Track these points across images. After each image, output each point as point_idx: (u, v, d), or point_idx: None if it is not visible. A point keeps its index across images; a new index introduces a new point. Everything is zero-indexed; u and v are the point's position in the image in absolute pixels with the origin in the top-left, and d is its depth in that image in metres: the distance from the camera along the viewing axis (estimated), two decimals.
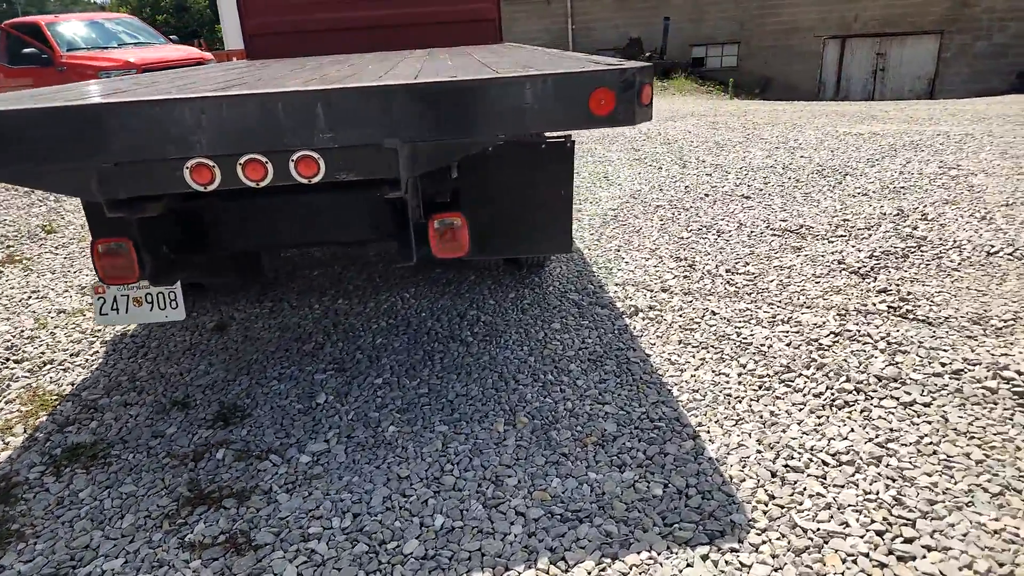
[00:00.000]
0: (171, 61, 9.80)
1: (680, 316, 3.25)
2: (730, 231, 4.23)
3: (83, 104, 1.89)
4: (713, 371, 2.72)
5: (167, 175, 2.05)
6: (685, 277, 3.67)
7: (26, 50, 10.26)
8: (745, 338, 2.95)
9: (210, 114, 1.90)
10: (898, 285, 3.26)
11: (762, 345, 2.88)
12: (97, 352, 3.20)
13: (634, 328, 3.17)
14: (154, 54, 10.27)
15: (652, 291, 3.54)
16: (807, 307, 3.19)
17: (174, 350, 3.17)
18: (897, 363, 2.60)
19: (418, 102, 1.99)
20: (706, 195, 5.09)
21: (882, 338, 2.80)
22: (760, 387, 2.58)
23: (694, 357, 2.84)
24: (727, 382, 2.64)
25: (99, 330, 3.41)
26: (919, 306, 3.02)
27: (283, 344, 3.16)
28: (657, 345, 2.98)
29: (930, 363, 2.57)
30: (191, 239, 2.49)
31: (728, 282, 3.55)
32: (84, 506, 2.17)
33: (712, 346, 2.92)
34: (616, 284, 3.68)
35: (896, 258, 3.55)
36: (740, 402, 2.50)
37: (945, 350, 2.64)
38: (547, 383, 2.71)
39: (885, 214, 4.17)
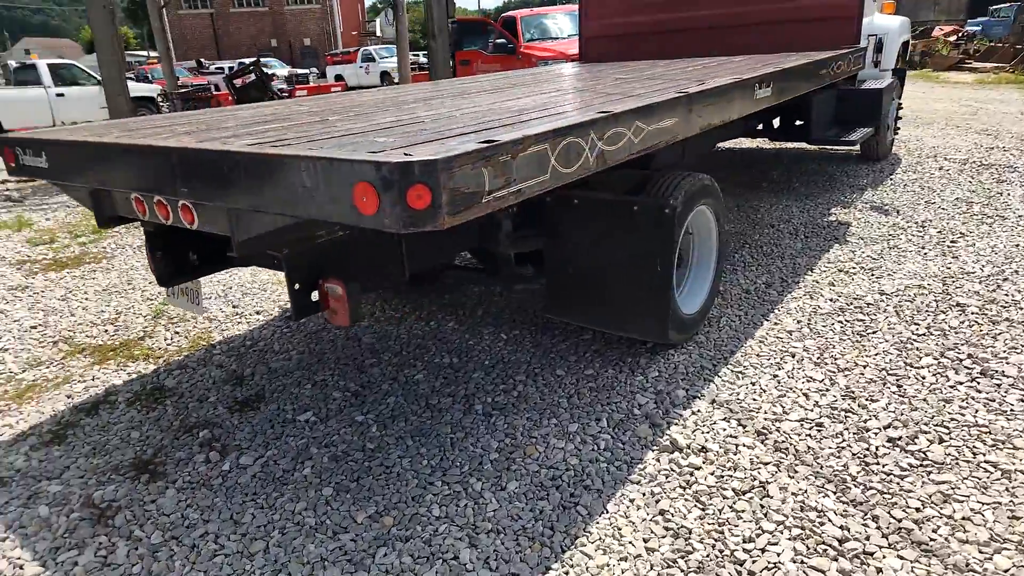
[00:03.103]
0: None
1: None
2: None
3: (79, 141, 2.35)
4: None
5: (124, 203, 2.40)
6: None
7: (499, 40, 12.38)
8: None
9: (131, 158, 2.14)
10: None
11: None
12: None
13: None
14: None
15: None
16: None
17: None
18: None
19: (199, 167, 1.84)
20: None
21: None
22: None
23: None
24: None
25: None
26: None
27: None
28: None
29: None
30: (187, 249, 2.74)
31: None
32: None
33: None
34: None
35: None
36: None
37: None
38: None
39: None
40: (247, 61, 21.26)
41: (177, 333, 3.61)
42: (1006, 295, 3.40)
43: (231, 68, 20.46)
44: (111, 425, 2.75)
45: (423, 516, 2.11)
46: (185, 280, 2.65)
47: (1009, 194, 5.19)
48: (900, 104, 6.74)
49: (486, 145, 1.58)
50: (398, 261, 2.38)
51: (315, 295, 2.14)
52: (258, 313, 3.85)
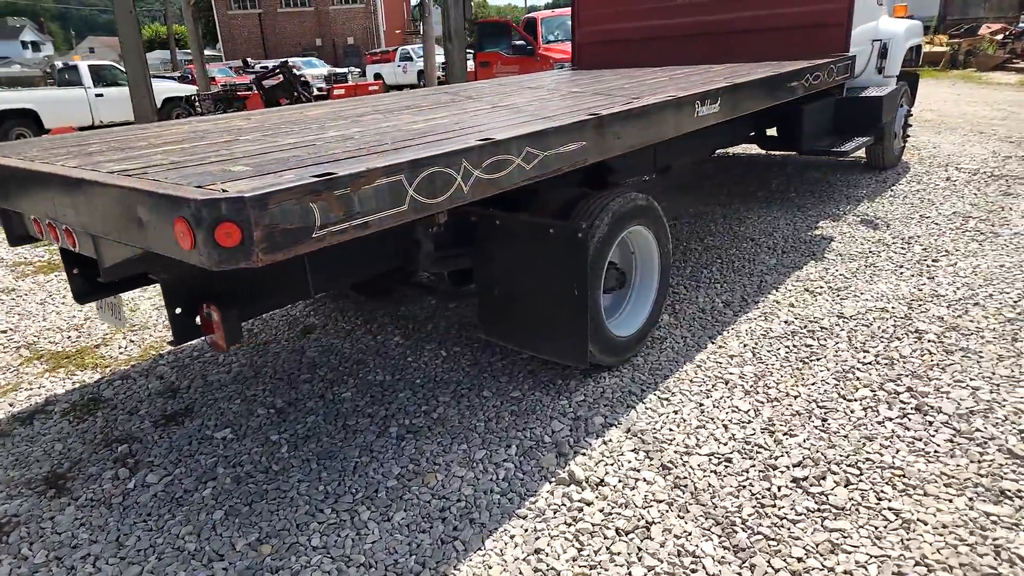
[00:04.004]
0: None
1: None
2: None
3: None
4: None
5: (26, 224, 2.46)
6: None
7: (518, 42, 12.32)
8: None
9: (23, 180, 2.18)
10: None
11: None
12: None
13: None
14: None
15: None
16: None
17: None
18: None
19: (61, 191, 1.85)
20: None
21: None
22: None
23: None
24: None
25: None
26: None
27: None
28: None
29: None
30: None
31: None
32: None
33: None
34: None
35: None
36: None
37: None
38: None
39: None
40: (272, 63, 21.67)
41: (132, 342, 3.69)
42: (971, 321, 3.22)
43: (265, 68, 20.88)
44: (40, 436, 2.82)
45: (301, 546, 2.10)
46: (105, 295, 2.69)
47: (1012, 209, 4.92)
48: (909, 111, 6.47)
49: (315, 180, 1.56)
50: (303, 280, 2.38)
51: (199, 319, 2.15)
52: None
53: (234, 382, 3.17)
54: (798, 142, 5.15)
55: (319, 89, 27.05)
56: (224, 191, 1.46)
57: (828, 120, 5.51)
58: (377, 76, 27.50)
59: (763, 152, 7.60)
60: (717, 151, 7.04)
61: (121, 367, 3.39)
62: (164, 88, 18.03)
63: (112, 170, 1.88)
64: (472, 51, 14.11)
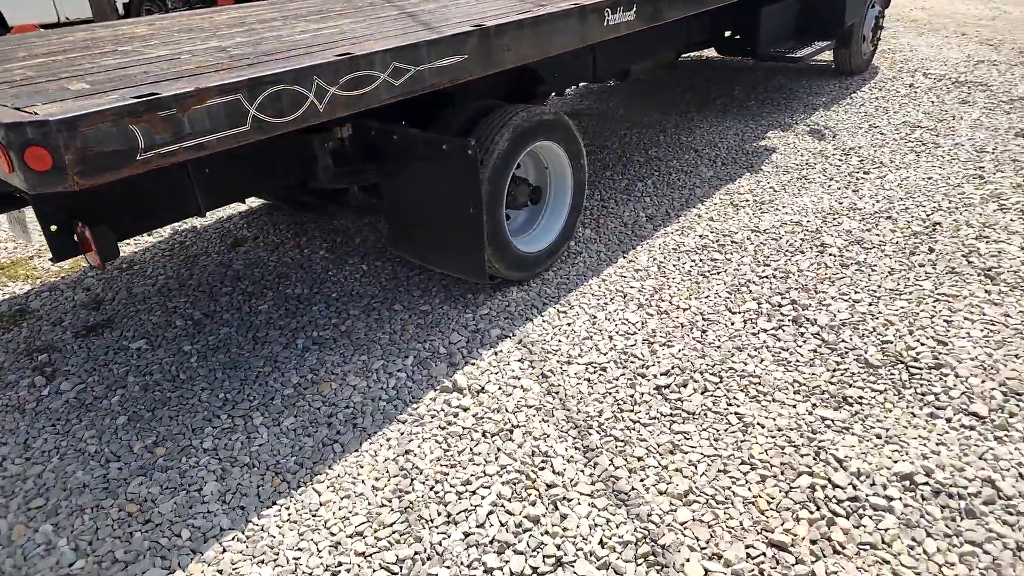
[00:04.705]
0: None
1: None
2: None
3: None
4: None
5: None
6: None
7: None
8: None
9: None
10: None
11: None
12: None
13: None
14: None
15: None
16: None
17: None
18: None
19: None
20: None
21: None
22: None
23: None
24: None
25: None
26: None
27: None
28: None
29: None
30: None
31: None
32: None
33: None
34: None
35: None
36: None
37: None
38: None
39: None
40: None
41: None
42: (876, 235, 3.28)
43: None
44: None
45: (193, 448, 2.27)
46: (12, 208, 2.74)
47: (962, 118, 4.85)
48: (882, 13, 6.22)
49: (134, 101, 1.58)
50: (190, 196, 2.42)
51: (75, 236, 2.21)
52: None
53: (158, 294, 3.28)
54: (755, 46, 5.01)
55: None
56: (36, 114, 1.50)
57: (791, 23, 5.33)
58: None
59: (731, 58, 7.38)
60: (681, 56, 6.85)
61: (51, 279, 3.50)
62: None
63: None
64: None
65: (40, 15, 14.89)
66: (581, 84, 6.22)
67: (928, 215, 3.43)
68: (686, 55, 7.00)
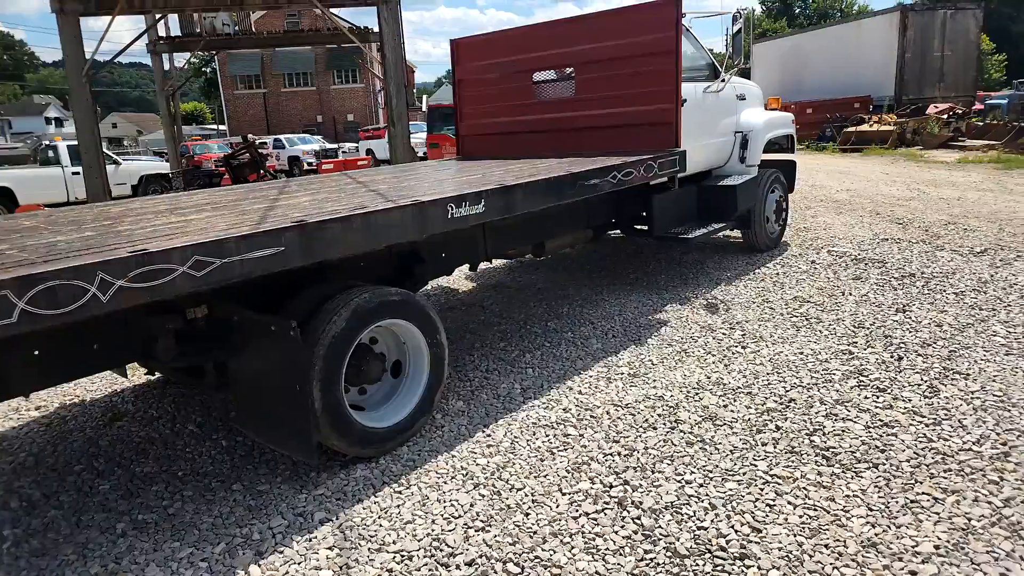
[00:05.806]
0: None
1: None
2: None
3: None
4: None
5: None
6: None
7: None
8: None
9: None
10: None
11: None
12: None
13: None
14: None
15: None
16: None
17: None
18: None
19: None
20: None
21: None
22: None
23: None
24: None
25: None
26: None
27: None
28: None
29: None
30: None
31: None
32: None
33: None
34: None
35: None
36: None
37: None
38: None
39: None
40: (270, 139, 22.33)
41: None
42: (732, 411, 3.29)
43: (260, 142, 21.54)
44: None
45: None
46: None
47: (851, 294, 5.06)
48: (783, 196, 6.70)
49: None
50: (30, 373, 2.46)
51: None
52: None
53: (12, 472, 3.22)
54: (652, 228, 5.35)
55: (308, 164, 27.79)
56: None
57: (687, 207, 5.74)
58: (369, 151, 28.43)
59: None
60: (601, 234, 7.27)
61: None
62: (140, 167, 18.83)
63: None
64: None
65: (53, 196, 15.97)
66: (500, 261, 6.56)
67: (787, 391, 3.47)
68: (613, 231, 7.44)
